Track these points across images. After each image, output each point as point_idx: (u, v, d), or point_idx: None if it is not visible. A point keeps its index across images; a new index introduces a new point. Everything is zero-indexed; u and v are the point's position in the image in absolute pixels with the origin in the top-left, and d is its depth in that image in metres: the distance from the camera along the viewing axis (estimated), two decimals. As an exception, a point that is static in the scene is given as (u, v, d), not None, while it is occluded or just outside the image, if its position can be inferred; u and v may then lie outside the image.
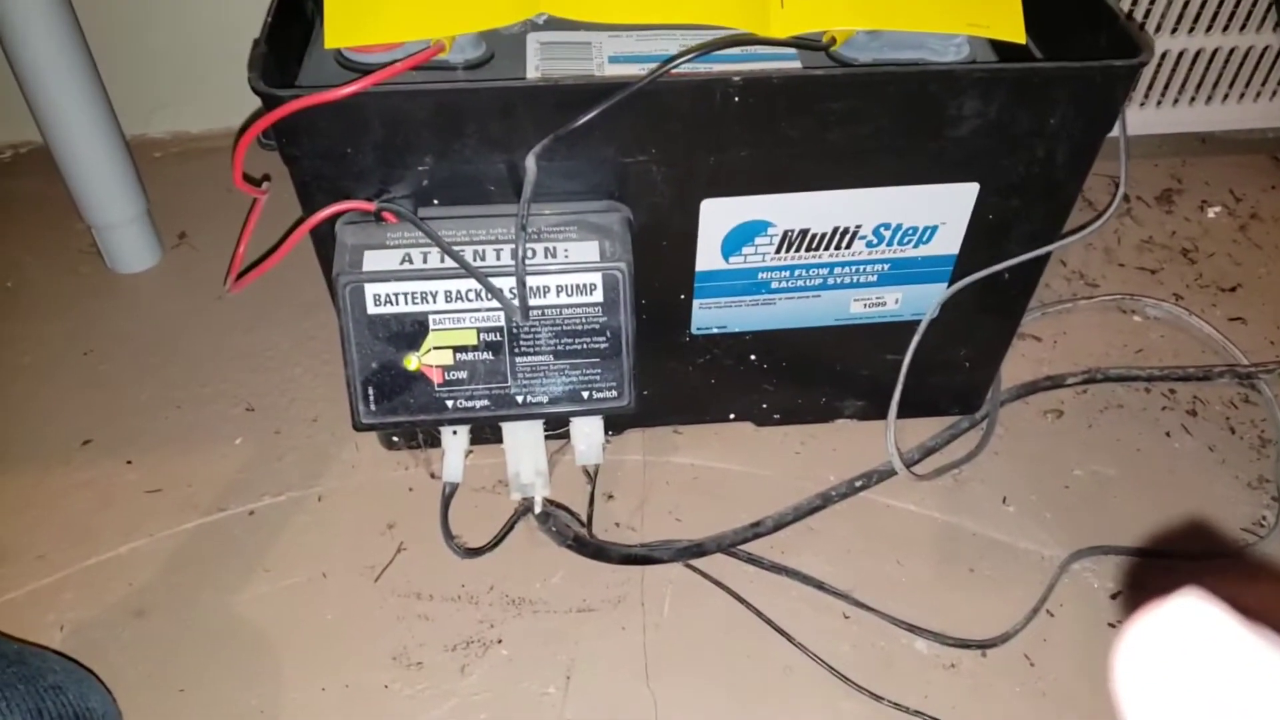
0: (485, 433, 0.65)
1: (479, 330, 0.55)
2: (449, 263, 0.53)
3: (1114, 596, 0.67)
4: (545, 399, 0.57)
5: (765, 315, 0.66)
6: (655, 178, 0.56)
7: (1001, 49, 0.61)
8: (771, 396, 0.74)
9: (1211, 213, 0.98)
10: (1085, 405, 0.79)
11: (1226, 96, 0.99)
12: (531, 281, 0.54)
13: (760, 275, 0.63)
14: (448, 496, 0.61)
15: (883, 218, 0.60)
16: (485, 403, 0.56)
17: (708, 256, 0.61)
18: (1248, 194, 1.00)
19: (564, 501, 0.70)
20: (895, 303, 0.66)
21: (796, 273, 0.63)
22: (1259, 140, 1.05)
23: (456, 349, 0.55)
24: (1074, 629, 0.65)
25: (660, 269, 0.61)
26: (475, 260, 0.53)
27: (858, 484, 0.72)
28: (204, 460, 0.73)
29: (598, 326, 0.55)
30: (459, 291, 0.54)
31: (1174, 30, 0.93)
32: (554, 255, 0.54)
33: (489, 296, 0.54)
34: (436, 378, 0.55)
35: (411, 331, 0.54)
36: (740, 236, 0.60)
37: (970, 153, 0.57)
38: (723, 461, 0.74)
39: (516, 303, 0.54)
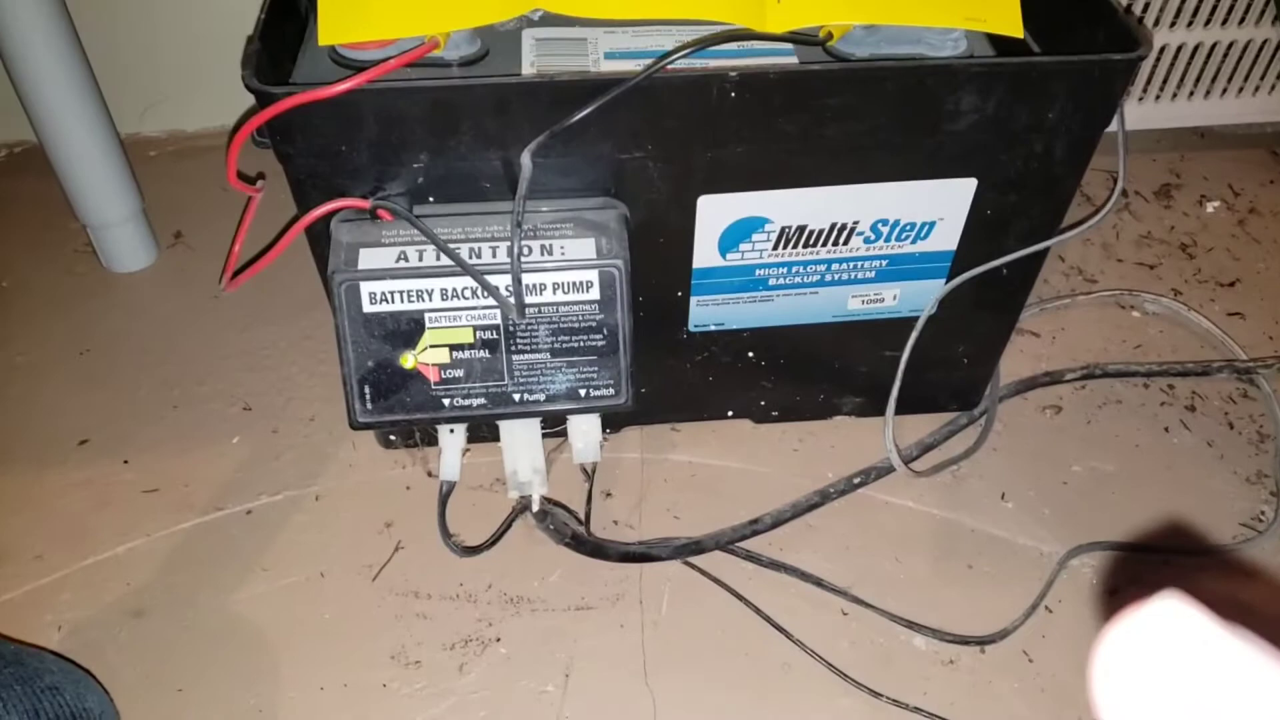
0: (482, 431, 0.65)
1: (475, 328, 0.54)
2: (445, 260, 0.53)
3: (1113, 592, 0.67)
4: (542, 397, 0.57)
5: (763, 312, 0.66)
6: (652, 174, 0.56)
7: (999, 44, 0.60)
8: (769, 393, 0.74)
9: (1210, 207, 0.98)
10: (1084, 401, 0.79)
11: (1225, 91, 0.99)
12: (527, 279, 0.54)
13: (758, 272, 0.63)
14: (445, 495, 0.61)
15: (880, 214, 0.60)
16: (482, 401, 0.56)
17: (705, 253, 0.61)
18: (1246, 189, 1.00)
19: (562, 499, 0.70)
20: (893, 299, 0.66)
21: (794, 269, 0.63)
22: (1257, 135, 1.05)
23: (453, 347, 0.55)
24: (1073, 625, 0.65)
25: (657, 266, 0.61)
26: (471, 258, 0.53)
27: (856, 481, 0.71)
28: (201, 460, 0.73)
29: (594, 324, 0.55)
30: (455, 289, 0.54)
31: (1172, 24, 0.93)
32: (550, 252, 0.54)
33: (485, 294, 0.53)
34: (433, 376, 0.55)
35: (407, 330, 0.54)
36: (737, 233, 0.60)
37: (968, 148, 0.57)
38: (721, 459, 0.74)
39: (513, 300, 0.54)
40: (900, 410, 0.69)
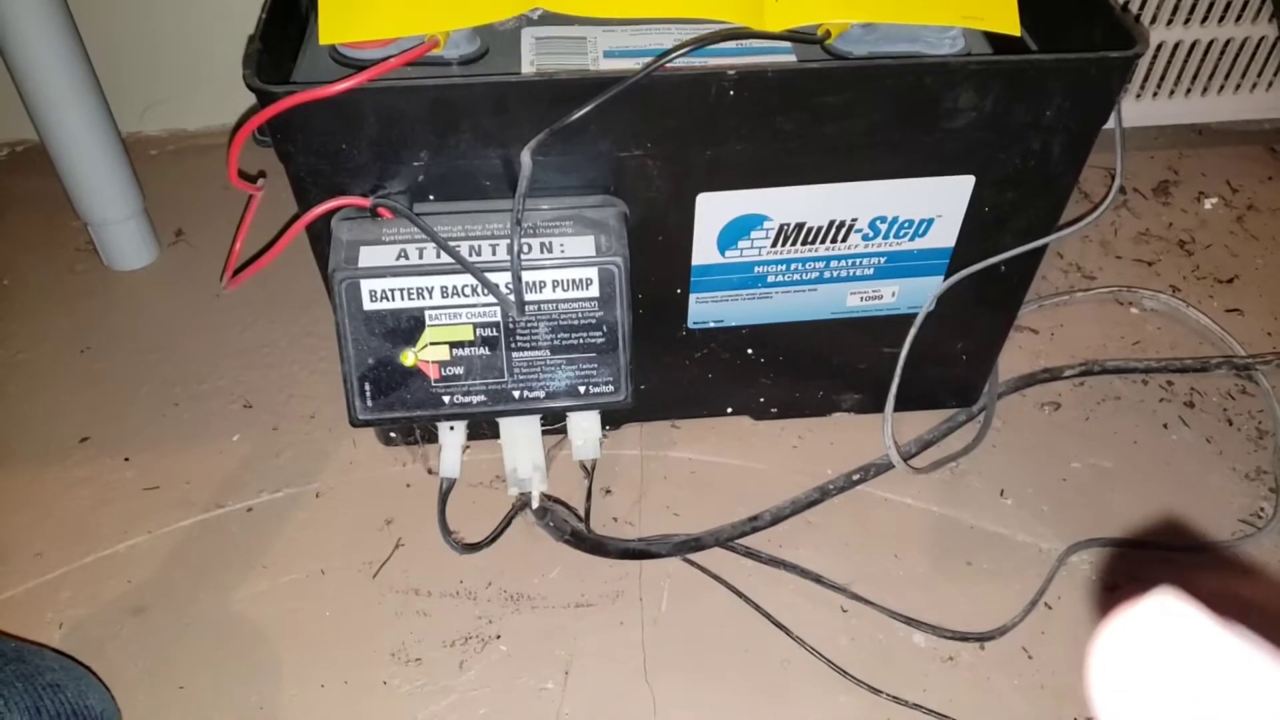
0: (482, 428, 0.65)
1: (475, 326, 0.55)
2: (445, 258, 0.53)
3: (1111, 589, 0.67)
4: (542, 394, 0.57)
5: (762, 309, 0.66)
6: (651, 172, 0.56)
7: (996, 42, 0.61)
8: (769, 390, 0.74)
9: (1208, 204, 0.98)
10: (1082, 398, 0.79)
11: (1223, 88, 0.99)
12: (527, 276, 0.54)
13: (756, 269, 0.63)
14: (445, 492, 0.61)
15: (879, 211, 0.60)
16: (482, 398, 0.56)
17: (704, 251, 0.61)
18: (1244, 185, 1.00)
19: (561, 496, 0.70)
20: (892, 296, 0.66)
21: (793, 266, 0.63)
22: (1255, 131, 1.05)
23: (453, 344, 0.55)
24: (1072, 621, 0.65)
25: (656, 263, 0.61)
26: (471, 255, 0.53)
27: (855, 477, 0.72)
28: (202, 457, 0.73)
29: (594, 321, 0.55)
30: (455, 287, 0.54)
31: (1169, 22, 0.93)
32: (550, 250, 0.54)
33: (485, 292, 0.54)
34: (433, 373, 0.55)
35: (408, 327, 0.54)
36: (736, 230, 0.60)
37: (966, 145, 0.57)
38: (720, 456, 0.74)
39: (512, 298, 0.54)
40: (899, 407, 0.70)
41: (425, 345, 0.55)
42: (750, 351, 0.69)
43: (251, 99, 0.50)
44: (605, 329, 0.56)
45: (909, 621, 0.64)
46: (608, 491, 0.72)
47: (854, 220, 0.61)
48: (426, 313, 0.54)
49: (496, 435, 0.61)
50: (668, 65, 0.51)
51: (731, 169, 0.57)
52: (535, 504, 0.62)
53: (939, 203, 0.61)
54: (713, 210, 0.59)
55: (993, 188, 0.60)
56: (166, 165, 1.00)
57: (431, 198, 0.56)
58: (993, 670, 0.63)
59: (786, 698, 0.61)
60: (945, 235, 0.62)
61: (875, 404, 0.73)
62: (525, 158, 0.51)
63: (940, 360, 0.72)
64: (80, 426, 0.75)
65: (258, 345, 0.82)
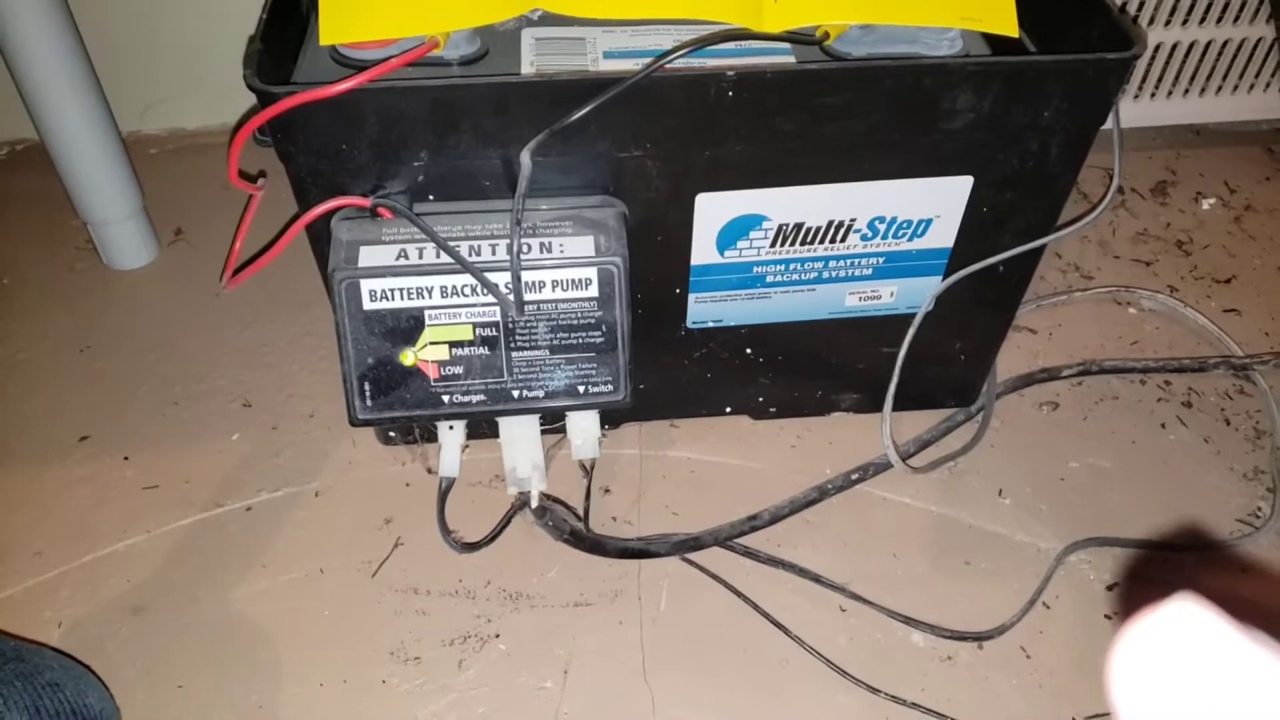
0: (481, 427, 0.66)
1: (475, 325, 0.55)
2: (444, 258, 0.53)
3: (1110, 588, 0.67)
4: (541, 394, 0.57)
5: (761, 309, 0.66)
6: (650, 172, 0.56)
7: (995, 43, 0.61)
8: (767, 390, 0.74)
9: (1206, 204, 0.98)
10: (1080, 397, 0.80)
11: (1220, 89, 0.99)
12: (527, 276, 0.54)
13: (755, 269, 0.63)
14: (444, 491, 0.62)
15: (877, 211, 0.61)
16: (481, 398, 0.56)
17: (703, 251, 0.61)
18: (1242, 186, 1.00)
19: (560, 496, 0.70)
20: (890, 296, 0.66)
21: (791, 266, 0.63)
22: (1253, 132, 1.05)
23: (452, 344, 0.55)
24: (1070, 621, 0.65)
25: (655, 263, 0.61)
26: (471, 255, 0.54)
27: (854, 477, 0.72)
28: (201, 456, 0.73)
29: (593, 321, 0.55)
30: (455, 287, 0.54)
31: (1167, 23, 0.93)
32: (549, 250, 0.54)
33: (484, 292, 0.54)
34: (432, 373, 0.56)
35: (407, 327, 0.54)
36: (735, 230, 0.61)
37: (964, 146, 0.57)
38: (719, 455, 0.74)
39: (512, 298, 0.54)
40: (898, 407, 0.70)
41: (425, 345, 0.55)
42: (749, 351, 0.70)
43: (252, 99, 0.50)
44: (604, 329, 0.56)
45: (907, 621, 0.65)
46: (607, 491, 0.72)
47: (853, 220, 0.61)
48: (426, 312, 0.54)
49: (496, 434, 0.61)
50: (667, 66, 0.51)
51: (730, 169, 0.57)
52: (534, 503, 0.63)
53: (937, 203, 0.61)
54: (712, 210, 0.59)
55: (991, 188, 0.60)
56: (166, 164, 1.00)
57: (431, 198, 0.56)
58: (991, 669, 0.63)
59: (785, 697, 0.61)
60: (944, 235, 0.63)
61: (874, 404, 0.73)
62: (525, 158, 0.51)
63: (939, 360, 0.72)
64: (79, 425, 0.76)
65: (257, 344, 0.82)
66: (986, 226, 0.62)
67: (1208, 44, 0.95)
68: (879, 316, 0.68)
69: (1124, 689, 0.17)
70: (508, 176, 0.55)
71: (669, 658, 0.63)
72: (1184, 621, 0.17)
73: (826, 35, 0.58)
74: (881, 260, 0.64)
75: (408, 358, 0.55)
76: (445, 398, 0.56)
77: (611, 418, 0.74)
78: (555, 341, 0.56)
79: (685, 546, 0.68)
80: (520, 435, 0.61)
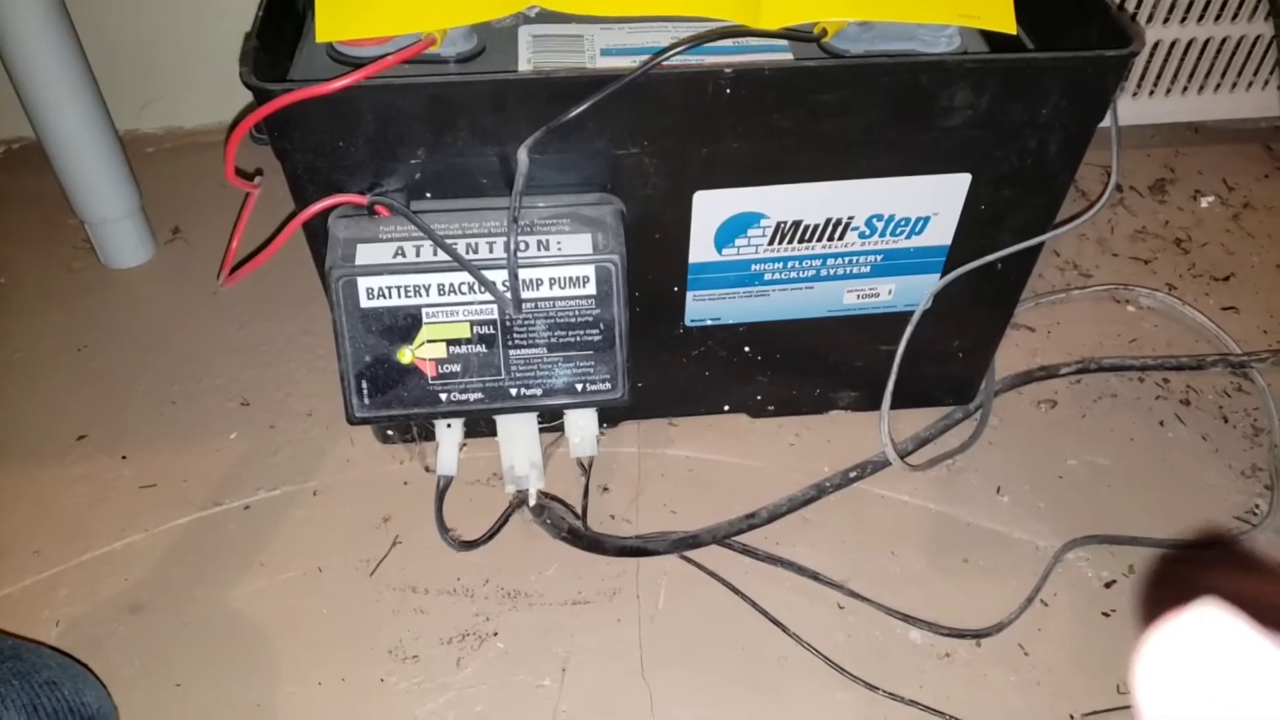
0: (479, 426, 0.66)
1: (472, 323, 0.55)
2: (442, 256, 0.53)
3: (1108, 586, 0.67)
4: (539, 392, 0.57)
5: (759, 307, 0.66)
6: (648, 170, 0.56)
7: (993, 40, 0.61)
8: (766, 388, 0.74)
9: (1204, 202, 0.98)
10: (1079, 395, 0.80)
11: (1219, 86, 0.99)
12: (524, 274, 0.54)
13: (753, 267, 0.63)
14: (442, 490, 0.62)
15: (875, 209, 0.61)
16: (479, 396, 0.56)
17: (701, 248, 0.61)
18: (1240, 183, 1.00)
19: (559, 494, 0.70)
20: (888, 294, 0.66)
21: (789, 264, 0.63)
22: (1251, 130, 1.05)
23: (450, 342, 0.55)
24: (1068, 618, 0.65)
25: (653, 261, 0.61)
26: (468, 253, 0.53)
27: (852, 475, 0.72)
28: (199, 455, 0.73)
29: (591, 319, 0.55)
30: (452, 285, 0.54)
31: (1165, 20, 0.93)
32: (546, 248, 0.54)
33: (482, 289, 0.54)
34: (430, 371, 0.55)
35: (404, 325, 0.54)
36: (733, 228, 0.60)
37: (962, 143, 0.57)
38: (717, 453, 0.74)
39: (509, 295, 0.54)
40: (896, 405, 0.70)
41: (422, 343, 0.55)
42: (747, 349, 0.70)
43: (248, 96, 0.50)
44: (602, 327, 0.56)
45: (905, 618, 0.65)
46: (605, 489, 0.72)
47: (851, 218, 0.61)
48: (423, 310, 0.54)
49: (494, 433, 0.61)
50: (665, 63, 0.51)
51: (728, 167, 0.57)
52: (532, 501, 0.62)
53: (935, 200, 0.61)
54: (710, 208, 0.59)
55: (989, 185, 0.60)
56: (163, 163, 1.00)
57: (428, 195, 0.56)
58: (989, 667, 0.63)
59: (783, 694, 0.61)
60: (942, 233, 0.63)
61: (872, 402, 0.73)
62: (522, 155, 0.51)
63: (937, 358, 0.72)
64: (77, 424, 0.75)
65: (255, 343, 0.82)
66: (984, 224, 0.62)
67: (1206, 41, 0.95)
68: (877, 314, 0.68)
69: (1149, 692, 0.17)
70: (505, 174, 0.55)
71: (667, 655, 0.63)
72: (1208, 625, 0.17)
73: (824, 32, 0.58)
74: (879, 258, 0.64)
75: (405, 356, 0.55)
76: (443, 396, 0.56)
77: (610, 416, 0.74)
78: (553, 339, 0.56)
79: (683, 544, 0.68)
80: (518, 433, 0.60)
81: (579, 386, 0.57)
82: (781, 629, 0.64)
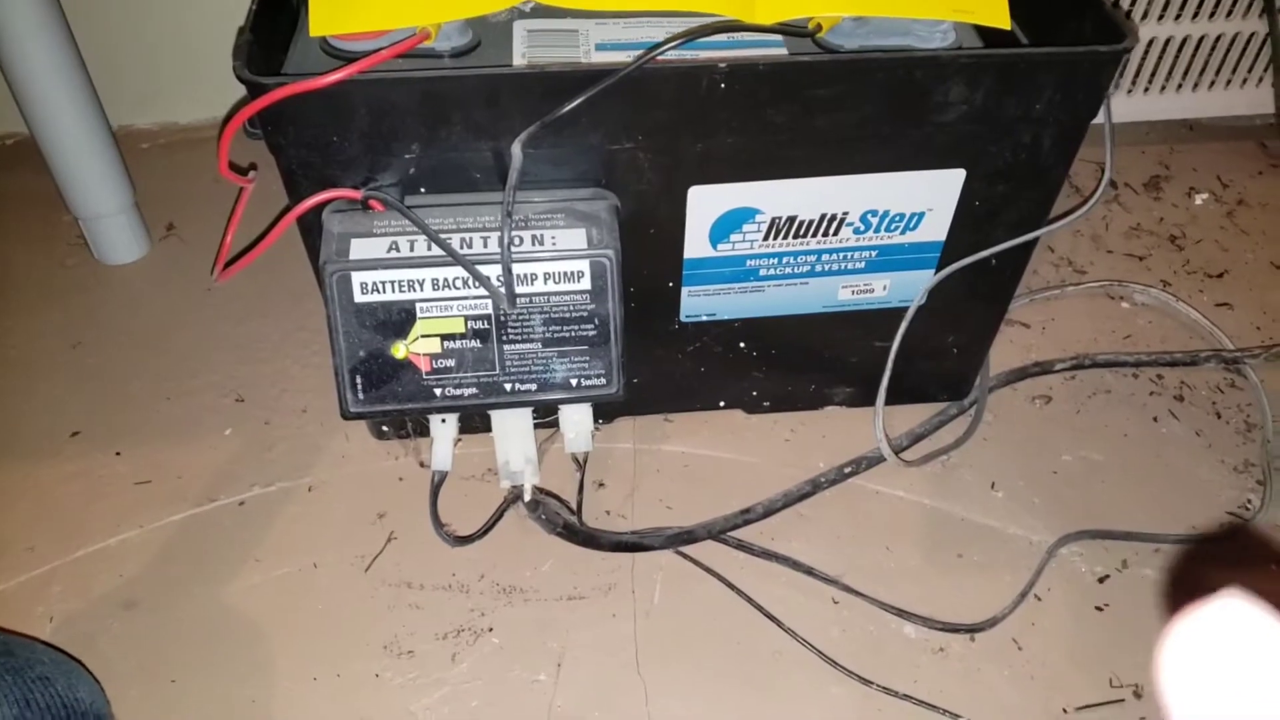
0: (474, 421, 0.65)
1: (467, 318, 0.55)
2: (436, 251, 0.53)
3: (1101, 580, 0.67)
4: (534, 387, 0.57)
5: (754, 303, 0.66)
6: (642, 165, 0.56)
7: (987, 35, 0.61)
8: (761, 384, 0.74)
9: (1199, 199, 0.98)
10: (1073, 391, 0.80)
11: (1213, 84, 0.99)
12: (518, 269, 0.54)
13: (748, 262, 0.63)
14: (437, 485, 0.61)
15: (870, 204, 0.61)
16: (473, 391, 0.56)
17: (696, 244, 0.61)
18: (1235, 180, 1.00)
19: (554, 489, 0.70)
20: (883, 289, 0.66)
21: (784, 260, 0.63)
22: (1246, 127, 1.05)
23: (444, 337, 0.55)
24: (1062, 613, 0.65)
25: (648, 256, 0.61)
26: (462, 248, 0.53)
27: (847, 470, 0.72)
28: (194, 451, 0.73)
29: (586, 314, 0.55)
30: (446, 279, 0.54)
31: (1160, 17, 0.93)
32: (541, 243, 0.54)
33: (476, 284, 0.54)
34: (424, 366, 0.55)
35: (399, 320, 0.54)
36: (728, 224, 0.60)
37: (957, 139, 0.57)
38: (713, 449, 0.74)
39: (504, 290, 0.54)
40: (890, 400, 0.70)
41: (416, 338, 0.55)
42: (742, 345, 0.70)
43: (242, 91, 0.50)
44: (597, 322, 0.56)
45: (900, 613, 0.65)
46: (600, 484, 0.72)
47: (845, 214, 0.61)
48: (417, 305, 0.54)
49: (488, 428, 0.61)
50: (659, 58, 0.51)
51: (723, 162, 0.57)
52: (527, 497, 0.62)
53: (930, 196, 0.61)
54: (704, 203, 0.59)
55: (983, 181, 0.60)
56: (157, 159, 1.00)
57: (423, 190, 0.56)
58: (983, 661, 0.63)
59: (778, 689, 0.61)
60: (936, 229, 0.63)
61: (867, 397, 0.73)
62: (516, 150, 0.51)
63: (931, 354, 0.72)
64: (72, 421, 0.75)
65: (250, 339, 0.82)
66: (979, 220, 0.62)
67: (1200, 38, 0.95)
68: (872, 310, 0.68)
69: (1174, 684, 0.17)
70: (499, 169, 0.55)
71: (662, 650, 0.63)
72: (1232, 616, 0.17)
73: (819, 27, 0.58)
74: (874, 254, 0.64)
75: (399, 351, 0.55)
76: (437, 391, 0.56)
77: (605, 412, 0.74)
78: (548, 334, 0.56)
79: (679, 540, 0.68)
80: (513, 429, 0.60)
81: (574, 382, 0.57)
82: (776, 624, 0.64)
